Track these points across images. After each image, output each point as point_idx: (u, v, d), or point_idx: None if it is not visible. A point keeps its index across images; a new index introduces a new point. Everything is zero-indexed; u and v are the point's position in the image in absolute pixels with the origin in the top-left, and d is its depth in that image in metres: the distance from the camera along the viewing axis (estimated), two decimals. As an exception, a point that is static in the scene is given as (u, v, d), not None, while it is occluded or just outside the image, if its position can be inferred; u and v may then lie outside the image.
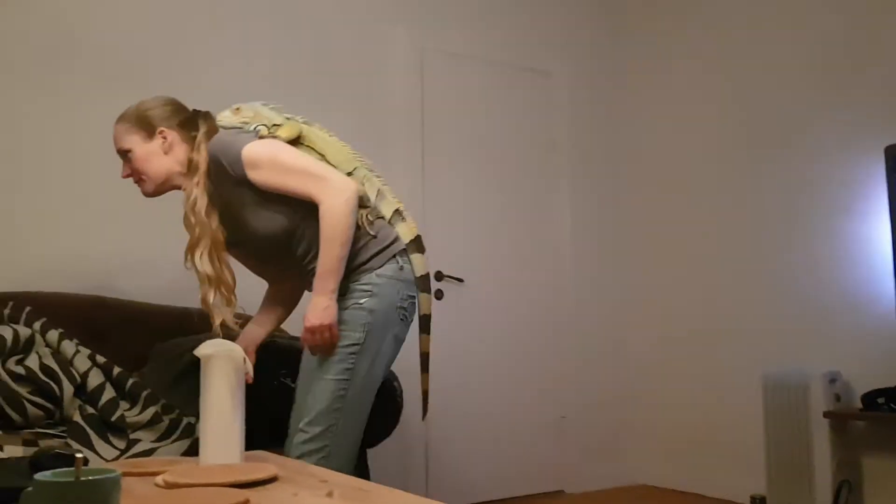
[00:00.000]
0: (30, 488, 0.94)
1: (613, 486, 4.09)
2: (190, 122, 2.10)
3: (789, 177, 3.59)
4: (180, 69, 3.06)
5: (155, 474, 1.53)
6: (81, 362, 2.22)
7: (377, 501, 1.26)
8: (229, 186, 2.01)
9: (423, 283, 2.14)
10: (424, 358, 2.23)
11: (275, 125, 2.08)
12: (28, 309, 2.37)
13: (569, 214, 4.11)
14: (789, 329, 3.54)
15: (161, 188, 2.11)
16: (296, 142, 2.09)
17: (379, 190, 2.15)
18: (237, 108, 2.11)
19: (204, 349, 1.67)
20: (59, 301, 2.59)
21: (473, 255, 3.78)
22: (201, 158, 2.02)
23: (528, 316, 3.93)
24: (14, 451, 1.94)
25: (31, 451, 1.94)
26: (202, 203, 2.01)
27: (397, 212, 2.14)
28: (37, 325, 2.31)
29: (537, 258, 3.99)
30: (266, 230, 2.04)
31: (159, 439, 2.14)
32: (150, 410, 2.19)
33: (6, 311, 2.34)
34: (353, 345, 2.00)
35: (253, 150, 1.99)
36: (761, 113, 3.73)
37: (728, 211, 3.86)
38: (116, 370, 2.26)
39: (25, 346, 2.23)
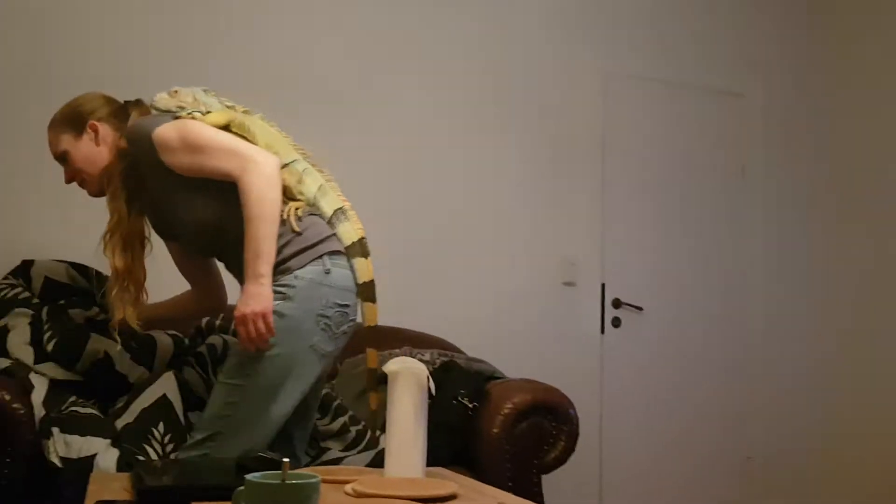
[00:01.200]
0: (240, 487, 1.04)
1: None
2: (121, 111, 2.02)
3: None
4: (371, 98, 3.24)
5: (345, 482, 1.63)
6: (279, 372, 2.38)
7: (554, 528, 1.27)
8: (151, 175, 1.91)
9: (365, 291, 1.96)
10: (370, 374, 2.03)
11: (209, 112, 1.95)
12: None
13: (759, 244, 3.91)
14: None
15: (104, 185, 2.00)
16: (226, 129, 1.94)
17: (321, 185, 1.98)
18: (175, 91, 1.97)
19: (391, 366, 1.76)
20: (262, 314, 2.81)
21: (654, 283, 3.69)
22: (123, 145, 1.94)
23: (711, 348, 3.77)
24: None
25: (235, 451, 2.11)
26: (119, 190, 1.93)
27: (340, 210, 1.97)
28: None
29: (723, 288, 3.83)
30: (196, 220, 1.92)
31: (347, 449, 2.26)
32: (339, 421, 2.31)
33: (217, 322, 2.55)
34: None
35: (162, 132, 1.86)
36: None
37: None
38: (311, 381, 2.41)
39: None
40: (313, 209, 1.96)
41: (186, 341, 2.46)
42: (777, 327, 3.91)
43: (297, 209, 1.92)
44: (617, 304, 3.59)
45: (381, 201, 3.25)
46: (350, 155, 3.17)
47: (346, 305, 1.93)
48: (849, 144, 4.03)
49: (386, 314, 3.17)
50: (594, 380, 3.52)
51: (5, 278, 2.34)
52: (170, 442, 2.02)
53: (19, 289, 2.31)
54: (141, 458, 1.95)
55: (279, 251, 1.85)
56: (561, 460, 2.48)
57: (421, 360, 2.56)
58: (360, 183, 3.18)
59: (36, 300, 2.30)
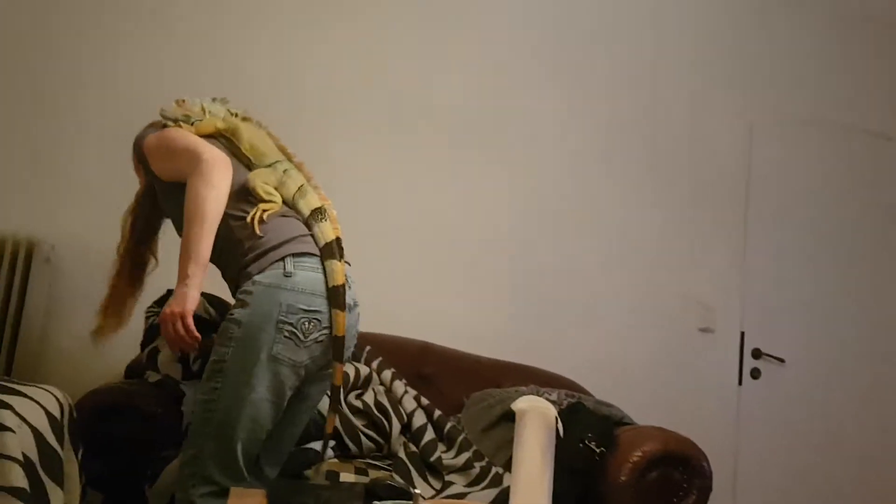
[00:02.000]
0: (371, 514, 1.06)
1: None
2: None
3: None
4: (497, 128, 3.28)
5: (469, 518, 1.62)
6: (409, 402, 2.43)
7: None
8: (154, 181, 1.96)
9: (333, 296, 1.79)
10: (335, 391, 1.87)
11: (197, 121, 1.96)
12: (368, 348, 2.66)
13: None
14: None
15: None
16: (215, 136, 1.95)
17: (301, 186, 1.93)
18: (182, 101, 2.00)
19: (519, 404, 1.75)
20: (392, 343, 2.87)
21: (798, 333, 3.49)
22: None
23: (861, 409, 3.51)
24: (347, 476, 2.17)
25: (361, 479, 2.16)
26: (134, 200, 2.04)
27: (318, 210, 1.89)
28: (374, 364, 2.58)
29: (877, 343, 3.57)
30: (180, 226, 1.88)
31: (470, 484, 2.25)
32: (464, 456, 2.32)
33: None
34: (218, 361, 1.76)
35: (147, 141, 1.91)
36: None
37: None
38: (437, 413, 2.44)
39: (364, 383, 2.51)
40: (290, 211, 1.91)
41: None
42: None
43: (263, 212, 1.84)
44: (757, 354, 3.42)
45: (524, 241, 3.26)
46: (497, 194, 3.22)
47: (315, 311, 1.78)
48: None
49: (513, 351, 3.19)
50: (729, 433, 3.35)
51: (151, 307, 2.52)
52: None
53: None
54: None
55: (242, 256, 1.80)
56: (693, 514, 2.37)
57: (548, 400, 2.54)
58: (506, 227, 3.23)
59: None
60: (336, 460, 2.25)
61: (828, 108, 3.66)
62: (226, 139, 1.97)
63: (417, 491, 0.99)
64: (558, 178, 3.33)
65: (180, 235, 1.88)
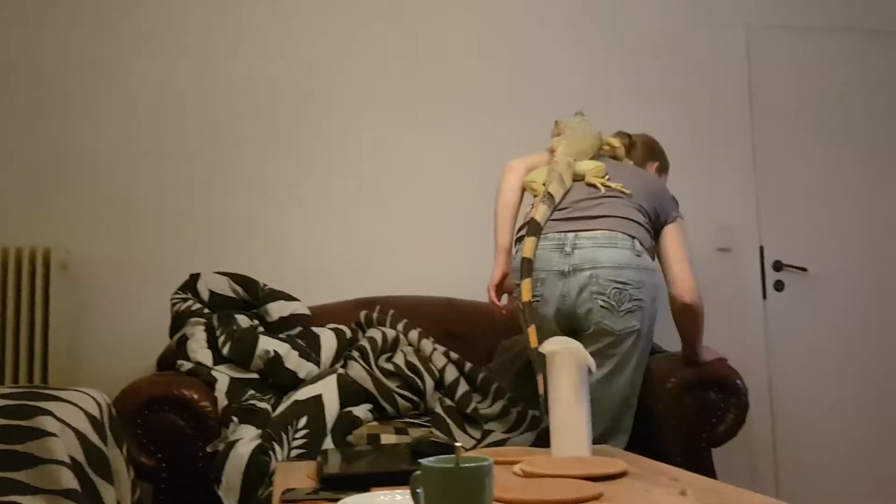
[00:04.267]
0: (417, 472, 1.07)
1: None
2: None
3: None
4: (508, 84, 3.25)
5: (512, 463, 1.65)
6: (438, 359, 2.45)
7: (733, 502, 1.23)
8: None
9: (521, 267, 2.08)
10: (534, 358, 2.05)
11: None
12: (392, 312, 2.68)
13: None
14: None
15: None
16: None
17: (559, 173, 2.22)
18: (556, 122, 2.46)
19: (548, 346, 1.76)
20: (416, 304, 2.89)
21: (817, 241, 3.45)
22: None
23: (884, 308, 3.49)
24: (389, 438, 2.20)
25: (403, 438, 2.19)
26: None
27: (546, 195, 2.19)
28: (400, 326, 2.60)
29: (894, 239, 3.54)
30: None
31: (509, 430, 2.28)
32: (500, 403, 2.34)
33: (374, 315, 2.67)
34: None
35: None
36: None
37: None
38: (468, 366, 2.46)
39: (392, 346, 2.53)
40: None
41: (348, 334, 2.58)
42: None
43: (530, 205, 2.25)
44: (778, 266, 3.40)
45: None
46: (508, 147, 3.21)
47: (518, 284, 2.11)
48: None
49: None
50: (759, 347, 3.36)
51: (176, 293, 2.56)
52: (305, 437, 2.13)
53: (190, 301, 2.53)
54: (271, 448, 2.06)
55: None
56: (731, 433, 2.39)
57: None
58: (501, 167, 3.23)
59: (207, 311, 2.51)
60: (376, 423, 2.28)
61: (827, 10, 3.58)
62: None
63: (458, 444, 1.00)
64: (572, 105, 3.30)
65: None
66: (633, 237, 2.10)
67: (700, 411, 2.36)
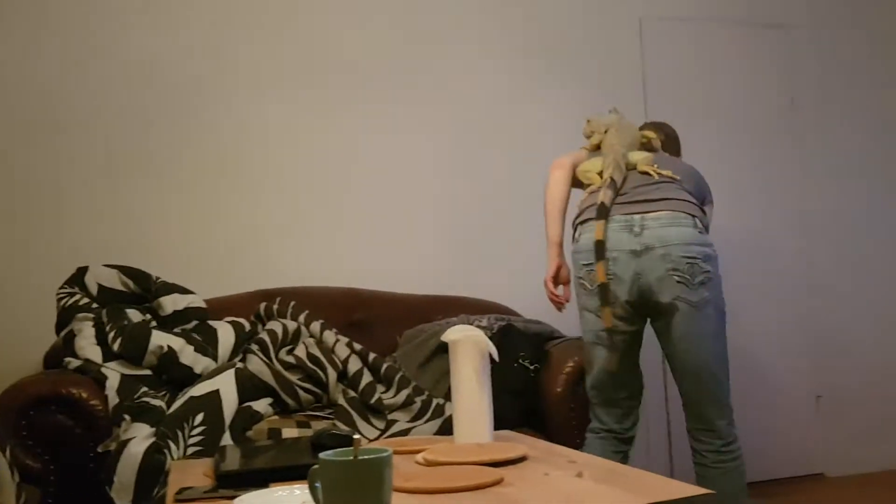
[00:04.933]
0: (315, 466, 1.05)
1: (880, 469, 3.75)
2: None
3: None
4: (410, 72, 3.23)
5: (415, 452, 1.65)
6: (341, 350, 2.43)
7: (627, 482, 1.27)
8: None
9: (596, 249, 2.20)
10: (609, 335, 2.25)
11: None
12: (293, 303, 2.63)
13: (818, 177, 3.81)
14: None
15: None
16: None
17: (614, 160, 2.35)
18: (588, 121, 2.55)
19: (450, 335, 1.76)
20: (318, 294, 2.86)
21: (711, 230, 3.60)
22: None
23: (775, 281, 3.69)
24: (290, 432, 2.17)
25: (305, 431, 2.16)
26: None
27: (608, 181, 2.30)
28: (301, 318, 2.56)
29: (780, 222, 3.73)
30: None
31: (413, 419, 2.28)
32: (404, 393, 2.34)
33: (275, 307, 2.62)
34: None
35: None
36: None
37: None
38: (372, 356, 2.45)
39: (293, 338, 2.49)
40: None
41: (247, 327, 2.52)
42: (844, 260, 3.82)
43: (586, 193, 2.39)
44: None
45: (427, 168, 3.25)
46: (411, 135, 3.19)
47: (588, 265, 2.25)
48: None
49: (439, 284, 3.22)
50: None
51: (62, 287, 2.44)
52: (202, 434, 2.08)
53: (78, 295, 2.41)
54: (166, 446, 2.01)
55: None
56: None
57: (479, 327, 2.58)
58: (403, 150, 3.21)
59: (95, 305, 2.40)
60: (277, 417, 2.24)
61: (718, 3, 3.73)
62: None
63: (357, 436, 0.99)
64: (462, 99, 3.31)
65: None
66: (694, 216, 2.24)
67: (598, 394, 2.42)
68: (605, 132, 2.46)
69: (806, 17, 3.86)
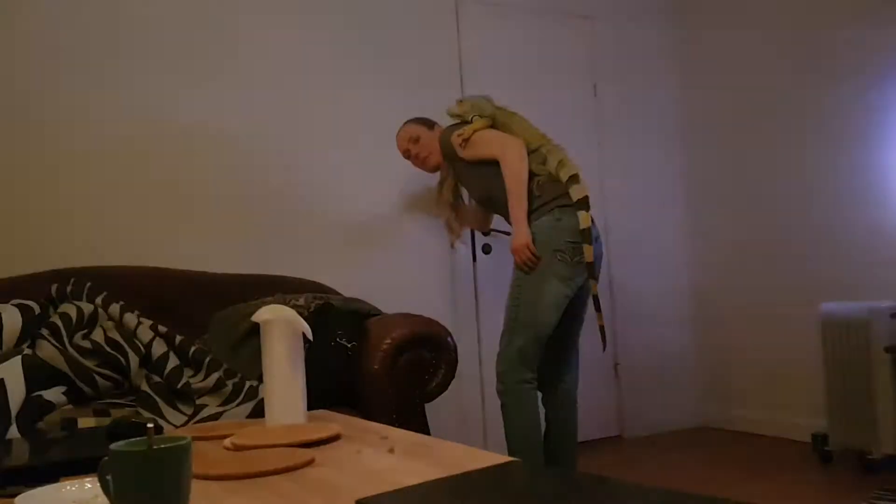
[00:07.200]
0: (105, 458, 0.98)
1: (672, 429, 4.10)
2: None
3: (854, 103, 3.48)
4: (213, 51, 3.08)
5: (223, 437, 1.58)
6: (144, 333, 2.28)
7: (437, 455, 1.29)
8: (455, 162, 2.86)
9: (583, 235, 2.61)
10: (595, 300, 2.68)
11: (475, 116, 2.78)
12: (89, 284, 2.44)
13: (620, 158, 4.06)
14: (850, 263, 3.46)
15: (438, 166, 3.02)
16: (492, 128, 2.78)
17: (560, 160, 2.67)
18: (461, 101, 2.86)
19: (262, 315, 1.71)
20: (119, 275, 2.66)
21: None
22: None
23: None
24: (87, 421, 2.01)
25: (103, 421, 2.02)
26: (446, 170, 3.05)
27: (573, 176, 2.64)
28: (98, 300, 2.38)
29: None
30: (478, 191, 2.87)
31: (224, 403, 2.20)
32: (214, 376, 2.24)
33: (69, 288, 2.41)
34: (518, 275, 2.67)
35: (453, 139, 2.80)
36: (833, 44, 3.60)
37: (790, 139, 3.76)
38: (179, 339, 2.33)
39: (90, 321, 2.30)
40: (552, 178, 2.67)
41: (37, 310, 2.30)
42: (636, 236, 4.11)
43: (539, 180, 2.68)
44: (486, 231, 3.64)
45: (242, 144, 3.13)
46: (223, 104, 3.03)
47: (575, 243, 2.61)
48: (699, 62, 4.21)
49: (255, 263, 3.11)
50: (470, 306, 3.58)
51: None
52: None
53: None
54: None
55: (529, 208, 2.66)
56: (443, 387, 2.52)
57: (295, 306, 2.53)
58: (211, 124, 3.06)
59: None
60: (71, 406, 2.07)
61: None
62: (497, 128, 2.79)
63: (150, 425, 0.93)
64: (281, 87, 3.21)
65: (473, 198, 3.02)
66: None
67: (413, 369, 2.45)
68: (510, 115, 2.80)
69: (610, 10, 4.09)
